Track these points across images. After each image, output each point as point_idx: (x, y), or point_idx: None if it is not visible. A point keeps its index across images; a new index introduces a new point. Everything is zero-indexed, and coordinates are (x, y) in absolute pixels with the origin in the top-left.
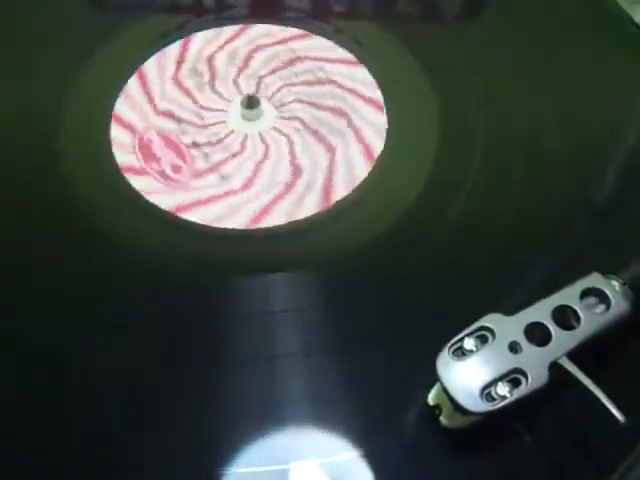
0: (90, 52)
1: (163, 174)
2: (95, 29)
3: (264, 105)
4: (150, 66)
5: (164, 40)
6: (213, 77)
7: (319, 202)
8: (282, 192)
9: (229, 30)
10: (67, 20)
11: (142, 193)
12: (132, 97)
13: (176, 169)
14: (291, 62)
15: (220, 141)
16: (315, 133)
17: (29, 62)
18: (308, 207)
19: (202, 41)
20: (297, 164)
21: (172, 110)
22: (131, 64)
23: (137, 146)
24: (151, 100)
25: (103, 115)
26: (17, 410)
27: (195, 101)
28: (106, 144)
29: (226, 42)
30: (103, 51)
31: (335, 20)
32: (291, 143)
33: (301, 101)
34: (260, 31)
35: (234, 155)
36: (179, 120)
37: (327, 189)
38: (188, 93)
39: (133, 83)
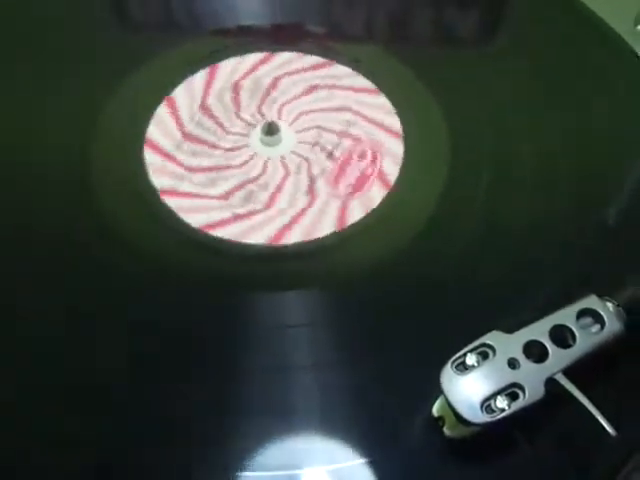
0: (120, 79)
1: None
2: (126, 56)
3: (284, 131)
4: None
5: (192, 67)
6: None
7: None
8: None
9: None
10: (97, 48)
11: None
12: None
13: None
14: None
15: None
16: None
17: (60, 88)
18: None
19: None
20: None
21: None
22: (161, 91)
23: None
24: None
25: (135, 139)
26: (37, 417)
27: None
28: (140, 167)
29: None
30: (132, 79)
31: (354, 48)
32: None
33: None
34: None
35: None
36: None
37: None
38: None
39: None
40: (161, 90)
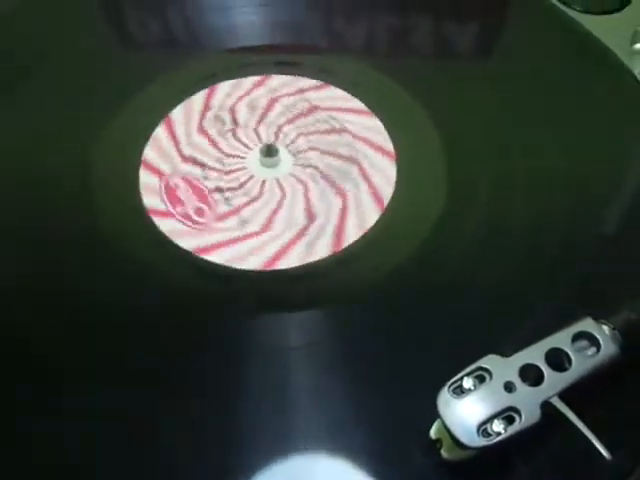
0: (121, 100)
1: (187, 217)
2: (127, 78)
3: (282, 153)
4: (177, 114)
5: (191, 89)
6: (235, 125)
7: (331, 246)
8: (295, 237)
9: (250, 80)
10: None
11: (166, 234)
12: (160, 143)
13: (200, 212)
14: (308, 112)
15: (241, 186)
16: (329, 180)
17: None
18: (320, 250)
19: (225, 90)
20: (311, 209)
21: (196, 156)
22: (160, 112)
23: (163, 189)
24: (177, 146)
25: (133, 160)
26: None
27: (218, 148)
28: (135, 187)
29: (247, 92)
30: (134, 100)
31: (350, 71)
32: (306, 189)
33: (316, 149)
34: (279, 82)
35: (253, 200)
36: (202, 166)
37: (338, 233)
38: (211, 140)
39: (161, 130)
40: (159, 112)
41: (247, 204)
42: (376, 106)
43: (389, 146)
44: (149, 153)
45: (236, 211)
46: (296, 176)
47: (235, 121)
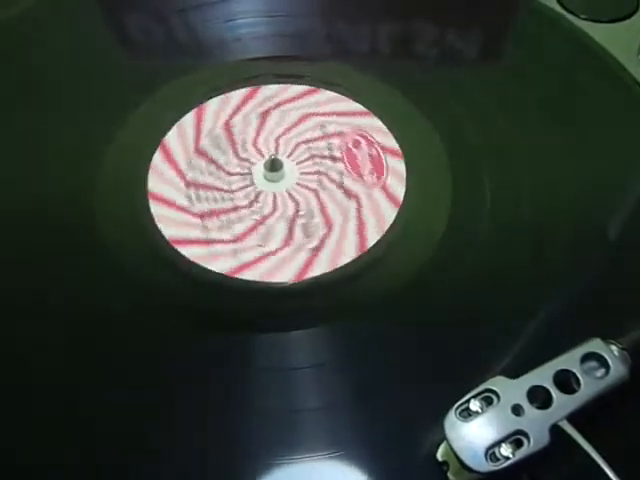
0: (112, 130)
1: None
2: (113, 104)
3: (286, 165)
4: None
5: (181, 109)
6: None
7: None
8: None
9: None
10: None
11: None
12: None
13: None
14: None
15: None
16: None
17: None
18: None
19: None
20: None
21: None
22: (154, 137)
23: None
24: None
25: (139, 193)
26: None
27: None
28: (149, 221)
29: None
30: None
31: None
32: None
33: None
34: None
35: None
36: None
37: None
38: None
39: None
40: (154, 138)
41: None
42: (371, 106)
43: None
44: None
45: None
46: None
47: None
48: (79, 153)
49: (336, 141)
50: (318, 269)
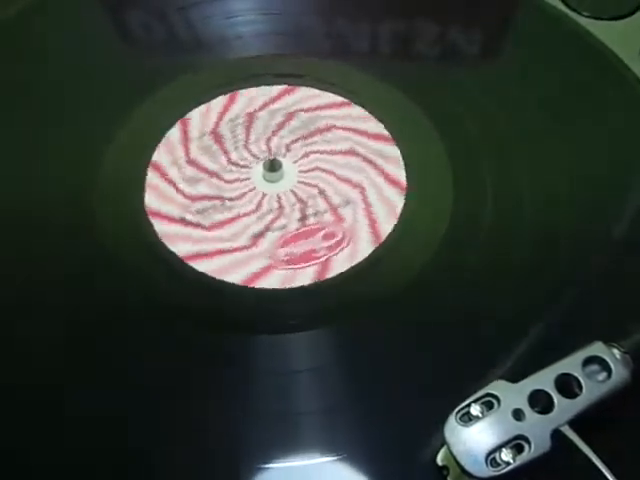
0: (115, 123)
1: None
2: (120, 98)
3: (286, 169)
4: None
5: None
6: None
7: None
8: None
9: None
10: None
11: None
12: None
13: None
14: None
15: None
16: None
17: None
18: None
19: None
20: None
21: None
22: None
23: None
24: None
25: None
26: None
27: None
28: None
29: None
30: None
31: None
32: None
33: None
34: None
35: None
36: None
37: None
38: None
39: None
40: (153, 138)
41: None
42: (353, 98)
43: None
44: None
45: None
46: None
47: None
48: (76, 153)
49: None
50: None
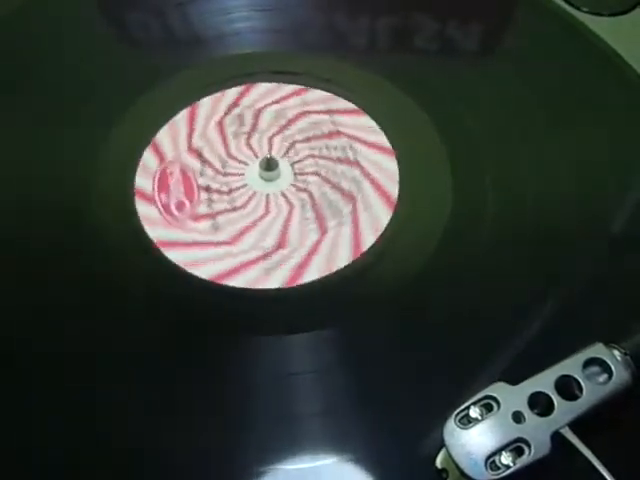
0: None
1: (166, 207)
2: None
3: (283, 170)
4: (205, 103)
5: (173, 108)
6: (226, 142)
7: (350, 254)
8: (312, 250)
9: (233, 91)
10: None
11: (141, 219)
12: (175, 128)
13: (180, 206)
14: (330, 135)
15: (230, 192)
16: (333, 185)
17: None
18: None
19: (208, 105)
20: (286, 235)
21: (202, 150)
22: (145, 136)
23: (157, 174)
24: (190, 134)
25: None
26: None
27: (227, 148)
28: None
29: (232, 104)
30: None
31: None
32: (291, 213)
33: (319, 175)
34: (262, 90)
35: (235, 209)
36: (204, 161)
37: (356, 239)
38: (224, 138)
39: (183, 115)
40: (145, 136)
41: (227, 211)
42: (365, 104)
43: (386, 143)
44: (162, 136)
45: (213, 215)
46: (300, 187)
47: (255, 125)
48: (72, 150)
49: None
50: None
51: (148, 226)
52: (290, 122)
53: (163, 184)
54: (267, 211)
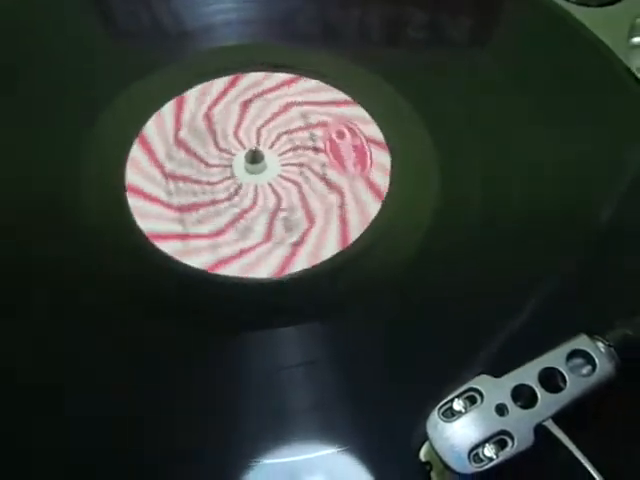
0: (91, 120)
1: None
2: (94, 95)
3: (267, 156)
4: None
5: (160, 99)
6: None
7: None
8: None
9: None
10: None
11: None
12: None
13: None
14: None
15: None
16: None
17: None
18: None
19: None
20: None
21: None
22: (132, 129)
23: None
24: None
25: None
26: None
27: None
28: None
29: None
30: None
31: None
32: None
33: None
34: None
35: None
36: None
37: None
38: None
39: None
40: (132, 129)
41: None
42: (354, 94)
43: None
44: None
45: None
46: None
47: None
48: (57, 142)
49: (319, 132)
50: (300, 264)
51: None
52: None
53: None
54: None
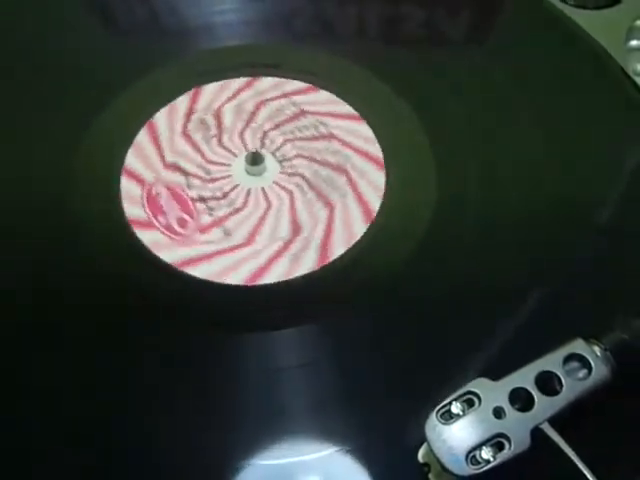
0: (101, 105)
1: (169, 227)
2: (106, 81)
3: (268, 161)
4: (160, 118)
5: (175, 91)
6: (220, 131)
7: (316, 259)
8: (281, 249)
9: (237, 83)
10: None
11: (148, 246)
12: (142, 150)
13: (182, 223)
14: (295, 116)
15: (225, 196)
16: (315, 189)
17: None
18: (306, 264)
19: (211, 93)
20: (297, 221)
21: (180, 163)
22: (142, 116)
23: (145, 199)
24: (160, 153)
25: (114, 167)
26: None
27: (202, 155)
28: (116, 197)
29: (234, 95)
30: (114, 104)
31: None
32: (292, 199)
33: (303, 156)
34: (267, 84)
35: (237, 210)
36: (186, 174)
37: (324, 246)
38: (196, 147)
39: (143, 136)
40: (141, 116)
41: (231, 215)
42: (365, 110)
43: (378, 154)
44: (131, 160)
45: (219, 222)
46: (282, 185)
47: (220, 126)
48: (59, 139)
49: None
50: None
51: (159, 252)
52: (252, 114)
53: (155, 207)
54: (269, 204)
